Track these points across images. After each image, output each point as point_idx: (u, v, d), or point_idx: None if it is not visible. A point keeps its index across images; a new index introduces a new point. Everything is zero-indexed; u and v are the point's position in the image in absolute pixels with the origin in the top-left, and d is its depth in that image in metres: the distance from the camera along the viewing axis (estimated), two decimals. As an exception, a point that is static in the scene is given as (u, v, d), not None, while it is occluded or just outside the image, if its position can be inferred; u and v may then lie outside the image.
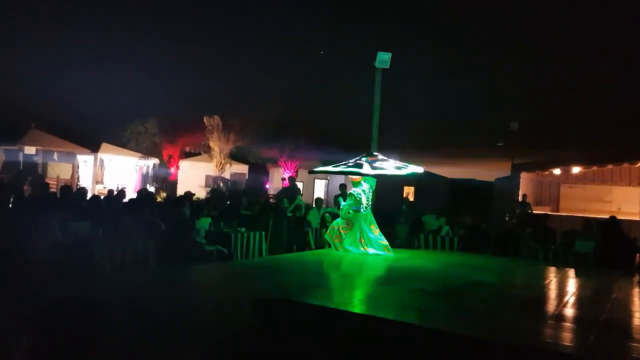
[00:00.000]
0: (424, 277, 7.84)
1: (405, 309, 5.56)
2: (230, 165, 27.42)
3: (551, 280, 8.47)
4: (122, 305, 4.94)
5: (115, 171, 23.25)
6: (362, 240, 9.85)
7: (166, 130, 26.21)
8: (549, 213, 16.16)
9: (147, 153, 25.26)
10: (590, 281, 8.30)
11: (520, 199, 16.75)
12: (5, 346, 3.84)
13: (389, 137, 10.78)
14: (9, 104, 20.36)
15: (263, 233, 9.97)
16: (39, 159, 20.81)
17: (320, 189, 27.89)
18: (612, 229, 10.31)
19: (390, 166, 10.32)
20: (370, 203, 10.20)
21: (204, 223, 9.05)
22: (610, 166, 18.76)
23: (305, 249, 10.74)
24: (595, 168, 18.97)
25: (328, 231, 10.32)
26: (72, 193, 9.79)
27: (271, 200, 15.55)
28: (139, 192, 12.03)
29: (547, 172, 19.04)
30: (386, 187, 20.53)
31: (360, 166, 10.06)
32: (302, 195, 13.34)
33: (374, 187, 10.43)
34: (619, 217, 11.80)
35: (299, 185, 17.64)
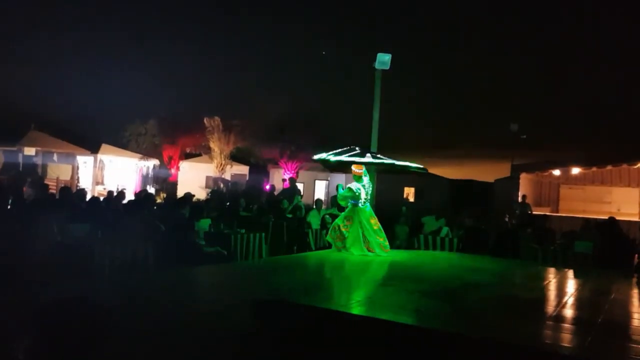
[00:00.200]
0: (423, 278, 7.84)
1: (404, 311, 5.56)
2: (231, 166, 27.43)
3: (550, 281, 8.47)
4: (121, 307, 4.95)
5: (115, 172, 23.25)
6: (366, 240, 9.78)
7: (166, 131, 26.22)
8: (549, 214, 16.17)
9: (147, 154, 25.26)
10: (589, 282, 8.30)
11: (519, 199, 16.76)
12: (4, 347, 3.85)
13: (390, 138, 10.76)
14: (8, 105, 20.37)
15: (263, 234, 9.97)
16: (38, 160, 20.80)
17: (321, 189, 27.92)
18: (611, 229, 10.32)
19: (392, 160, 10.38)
20: (369, 198, 10.14)
21: (204, 224, 9.05)
22: (609, 167, 18.78)
23: (306, 250, 10.73)
24: (594, 169, 18.99)
25: (329, 232, 10.27)
26: (71, 194, 9.79)
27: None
28: (138, 194, 12.04)
29: (546, 173, 19.06)
30: (386, 187, 20.59)
31: (363, 155, 10.05)
32: (302, 196, 13.34)
33: (372, 180, 10.39)
34: (619, 218, 11.82)
35: (300, 186, 17.67)
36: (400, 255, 10.24)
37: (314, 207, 12.51)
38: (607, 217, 11.09)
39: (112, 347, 3.96)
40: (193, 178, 25.88)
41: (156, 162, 25.66)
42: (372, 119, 11.49)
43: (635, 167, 18.24)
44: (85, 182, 21.48)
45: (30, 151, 20.35)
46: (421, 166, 10.81)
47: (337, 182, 16.34)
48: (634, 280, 8.81)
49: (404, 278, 7.83)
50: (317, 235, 11.28)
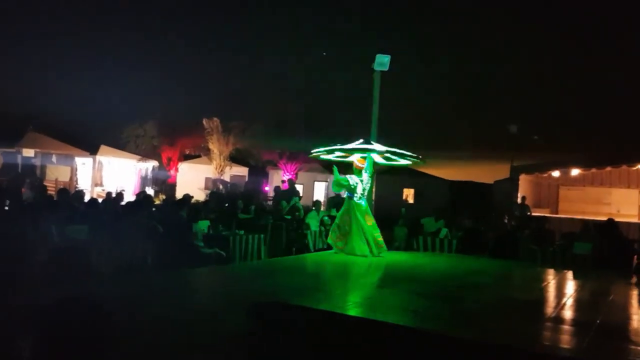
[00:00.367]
0: (422, 279, 7.83)
1: (402, 312, 5.55)
2: (230, 167, 27.41)
3: (549, 282, 8.46)
4: (118, 308, 4.93)
5: (114, 173, 23.24)
6: (364, 236, 9.71)
7: (165, 133, 26.20)
8: (548, 215, 16.15)
9: (146, 155, 25.25)
10: (588, 283, 8.29)
11: (519, 201, 16.74)
12: (1, 348, 3.84)
13: (389, 139, 10.74)
14: (7, 107, 20.37)
15: (262, 236, 9.95)
16: (37, 162, 20.81)
17: (320, 191, 27.91)
18: (610, 231, 10.31)
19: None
20: (365, 195, 10.07)
21: (202, 226, 9.03)
22: (609, 168, 18.75)
23: (304, 251, 10.71)
24: (594, 170, 18.96)
25: (329, 234, 10.20)
26: (69, 196, 9.78)
27: (269, 202, 15.55)
28: (137, 195, 12.02)
29: (546, 174, 19.03)
30: (386, 189, 20.58)
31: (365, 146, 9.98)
32: (300, 198, 13.31)
33: (372, 177, 10.31)
34: (618, 219, 11.81)
35: (299, 187, 17.65)
36: (399, 256, 10.23)
37: (313, 208, 12.50)
38: (606, 219, 11.08)
39: (109, 347, 3.95)
40: (192, 179, 25.87)
41: (155, 163, 25.65)
42: (372, 120, 11.47)
43: (635, 168, 18.22)
44: (84, 183, 21.48)
45: (29, 152, 20.36)
46: (418, 156, 10.64)
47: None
48: (633, 281, 8.80)
49: (402, 279, 7.82)
50: (316, 237, 11.26)
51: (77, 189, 16.44)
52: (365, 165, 10.10)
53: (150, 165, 25.20)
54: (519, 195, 17.16)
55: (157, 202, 15.28)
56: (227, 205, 12.46)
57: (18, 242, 6.46)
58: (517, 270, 9.77)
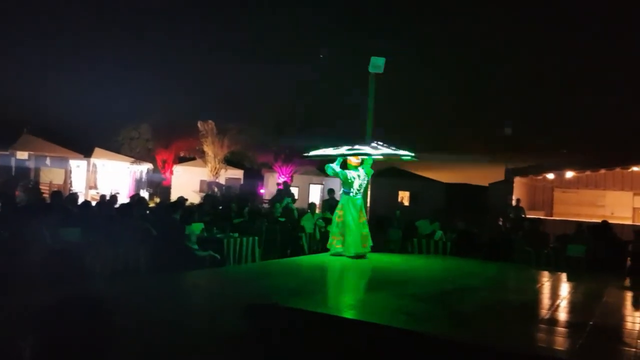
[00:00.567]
0: (416, 281, 7.83)
1: (396, 314, 5.54)
2: (225, 170, 27.38)
3: (543, 284, 8.48)
4: (112, 311, 4.91)
5: (108, 176, 23.18)
6: (357, 234, 9.63)
7: (160, 135, 26.16)
8: (542, 217, 16.21)
9: (140, 158, 25.20)
10: (582, 285, 8.31)
11: (514, 203, 16.80)
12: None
13: (388, 139, 10.67)
14: (1, 109, 20.29)
15: (256, 238, 9.93)
16: (31, 164, 20.73)
17: (315, 193, 27.91)
18: (604, 233, 10.35)
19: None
20: (361, 191, 9.98)
21: (196, 228, 9.00)
22: (603, 171, 18.86)
23: (299, 254, 10.69)
24: (588, 173, 19.06)
25: (329, 239, 10.03)
26: (62, 199, 9.74)
27: (265, 205, 15.53)
28: (131, 198, 12.00)
29: (540, 177, 19.12)
30: (381, 191, 20.60)
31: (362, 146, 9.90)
32: (294, 200, 13.29)
33: (369, 175, 10.21)
34: (612, 221, 11.86)
35: (294, 190, 17.64)
36: (394, 259, 10.22)
37: (308, 211, 12.49)
38: (600, 221, 11.13)
39: (104, 351, 3.92)
40: (187, 182, 25.84)
41: (150, 166, 25.60)
42: (367, 123, 11.47)
43: (629, 170, 18.33)
44: (78, 186, 21.41)
45: (22, 155, 20.28)
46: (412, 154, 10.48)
47: (331, 187, 16.35)
48: (627, 283, 8.83)
49: (396, 282, 7.81)
50: (311, 239, 11.25)
51: (71, 192, 16.38)
52: (359, 161, 9.95)
53: (144, 167, 25.14)
54: (514, 197, 17.22)
55: (151, 204, 15.25)
56: (221, 208, 12.44)
57: (11, 245, 6.43)
58: (511, 272, 9.78)
